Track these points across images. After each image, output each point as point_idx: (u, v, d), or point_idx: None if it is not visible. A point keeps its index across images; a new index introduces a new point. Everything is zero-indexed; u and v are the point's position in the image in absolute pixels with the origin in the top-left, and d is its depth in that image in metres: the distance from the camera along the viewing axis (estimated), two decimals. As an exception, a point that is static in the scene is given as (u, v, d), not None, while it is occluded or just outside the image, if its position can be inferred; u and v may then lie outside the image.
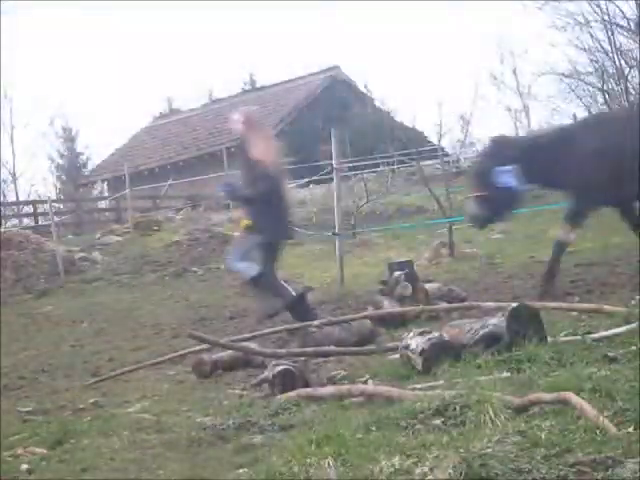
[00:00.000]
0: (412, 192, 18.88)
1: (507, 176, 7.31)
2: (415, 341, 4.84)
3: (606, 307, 5.60)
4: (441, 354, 4.67)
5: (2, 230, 17.41)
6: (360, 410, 4.07)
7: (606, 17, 17.11)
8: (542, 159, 7.35)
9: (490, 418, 3.36)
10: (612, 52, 17.06)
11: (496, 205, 7.53)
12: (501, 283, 8.42)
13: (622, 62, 16.91)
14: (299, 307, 7.31)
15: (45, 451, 4.27)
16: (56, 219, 16.95)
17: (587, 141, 7.34)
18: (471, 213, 7.79)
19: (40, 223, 22.42)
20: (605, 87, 17.21)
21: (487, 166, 7.53)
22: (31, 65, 54.32)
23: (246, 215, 7.53)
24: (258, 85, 34.39)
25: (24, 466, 3.95)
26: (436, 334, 4.85)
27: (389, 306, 6.99)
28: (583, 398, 3.33)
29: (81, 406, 5.43)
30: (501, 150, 7.51)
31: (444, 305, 6.94)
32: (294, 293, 7.38)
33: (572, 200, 7.69)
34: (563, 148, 7.37)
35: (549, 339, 4.72)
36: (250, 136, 7.52)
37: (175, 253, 15.84)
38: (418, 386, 4.28)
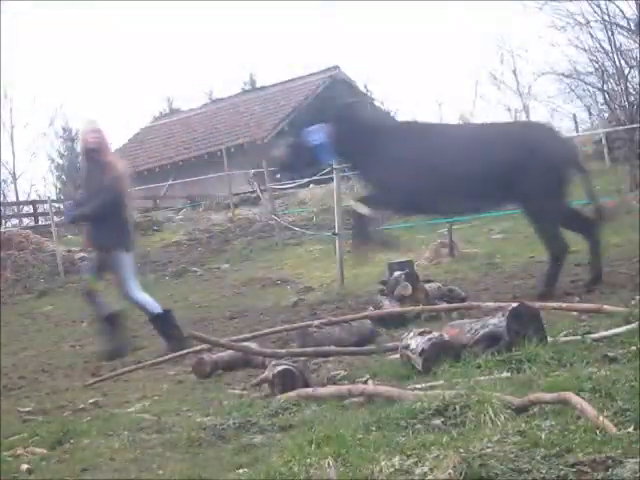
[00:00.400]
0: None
1: (316, 135, 7.53)
2: (415, 341, 4.83)
3: (606, 307, 5.60)
4: (441, 354, 4.67)
5: (2, 230, 17.41)
6: (360, 410, 4.07)
7: (606, 17, 17.11)
8: (357, 137, 7.50)
9: (490, 418, 3.36)
10: (612, 52, 17.05)
11: (298, 157, 7.91)
12: (501, 283, 8.42)
13: (622, 62, 16.91)
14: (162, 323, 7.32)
15: (45, 451, 4.27)
16: (56, 219, 16.95)
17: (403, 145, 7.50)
18: (276, 155, 8.43)
19: (40, 223, 22.42)
20: (605, 87, 17.19)
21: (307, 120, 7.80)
22: (31, 65, 54.31)
23: (86, 234, 7.63)
24: (258, 85, 34.40)
25: (24, 466, 3.95)
26: (436, 334, 4.85)
27: (389, 306, 6.99)
28: (583, 398, 3.33)
29: (81, 406, 5.43)
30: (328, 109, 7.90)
31: (444, 305, 6.94)
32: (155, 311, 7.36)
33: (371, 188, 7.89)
34: (381, 138, 7.50)
35: (549, 339, 4.72)
36: (103, 148, 7.47)
37: (175, 253, 15.86)
38: (418, 386, 4.28)
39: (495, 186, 7.30)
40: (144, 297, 7.40)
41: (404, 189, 7.38)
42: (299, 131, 7.90)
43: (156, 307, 7.39)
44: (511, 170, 7.17)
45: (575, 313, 5.85)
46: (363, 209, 7.53)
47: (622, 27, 17.33)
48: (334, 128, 7.63)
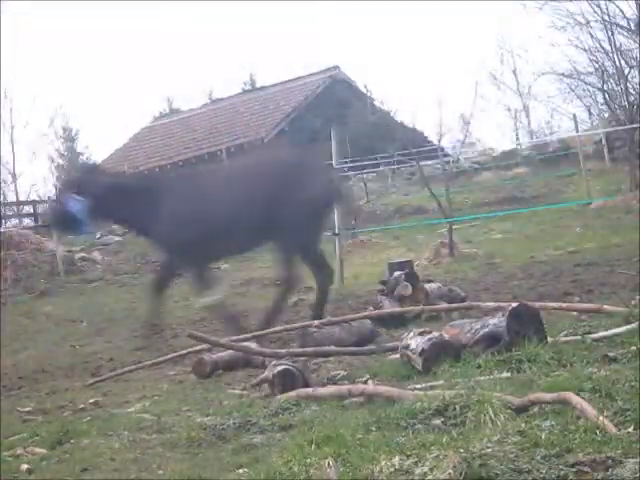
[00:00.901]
0: (412, 192, 18.90)
1: (72, 202, 7.77)
2: (415, 341, 4.83)
3: (606, 307, 5.60)
4: (441, 354, 4.67)
5: (2, 230, 17.41)
6: (360, 410, 4.07)
7: (606, 17, 17.10)
8: (113, 202, 7.69)
9: (490, 418, 3.36)
10: (612, 52, 17.05)
11: (60, 220, 8.24)
12: (501, 283, 8.42)
13: (622, 62, 16.90)
14: None
15: (45, 451, 4.27)
16: (56, 219, 16.90)
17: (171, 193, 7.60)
18: (48, 213, 8.77)
19: (40, 223, 22.41)
20: (605, 87, 17.18)
21: (65, 190, 8.25)
22: (31, 65, 54.29)
23: None
24: (258, 85, 34.39)
25: (24, 466, 3.95)
26: (436, 334, 4.85)
27: (389, 306, 6.99)
28: (583, 398, 3.33)
29: (81, 406, 5.43)
30: (79, 182, 8.00)
31: (444, 305, 6.94)
32: None
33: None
34: (138, 197, 7.65)
35: (549, 339, 4.72)
36: None
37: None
38: (418, 386, 4.29)
39: (259, 221, 7.28)
40: None
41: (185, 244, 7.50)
42: (64, 195, 8.12)
43: None
44: (270, 203, 7.19)
45: (575, 313, 5.85)
46: (211, 299, 7.61)
47: (622, 27, 17.33)
48: (90, 198, 7.74)
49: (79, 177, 8.44)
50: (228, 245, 7.70)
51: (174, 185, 7.83)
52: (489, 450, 2.89)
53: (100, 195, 7.63)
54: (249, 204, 7.25)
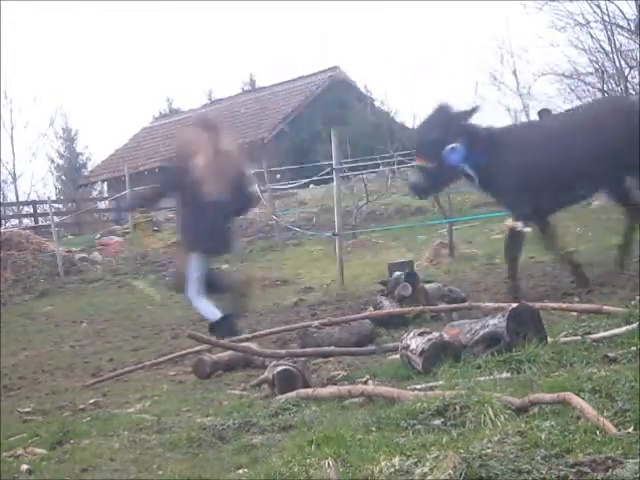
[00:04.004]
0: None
1: (456, 155, 7.18)
2: (415, 341, 4.83)
3: (606, 307, 5.60)
4: (441, 354, 4.66)
5: (2, 230, 17.41)
6: (360, 410, 4.07)
7: (606, 17, 17.11)
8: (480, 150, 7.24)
9: (490, 419, 3.36)
10: (612, 52, 17.05)
11: (438, 179, 7.52)
12: (501, 283, 8.42)
13: (622, 62, 16.91)
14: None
15: (45, 451, 4.27)
16: (56, 219, 16.97)
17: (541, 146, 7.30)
18: (412, 181, 7.72)
19: (40, 223, 22.43)
20: (605, 87, 17.19)
21: (435, 137, 7.32)
22: (31, 65, 54.28)
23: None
24: (258, 85, 34.42)
25: (24, 466, 3.95)
26: (436, 334, 4.84)
27: (389, 306, 6.99)
28: (583, 398, 3.33)
29: (81, 406, 5.44)
30: (448, 121, 7.31)
31: (444, 305, 6.93)
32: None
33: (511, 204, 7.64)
34: (496, 146, 7.28)
35: (549, 339, 4.72)
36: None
37: (175, 253, 15.84)
38: (418, 386, 4.28)
39: (602, 172, 7.21)
40: (202, 303, 7.26)
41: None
42: (432, 150, 7.31)
43: (213, 314, 7.22)
44: (621, 146, 7.04)
45: (575, 313, 5.85)
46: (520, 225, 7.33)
47: (622, 27, 17.33)
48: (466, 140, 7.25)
49: (438, 121, 7.47)
50: (570, 193, 7.48)
51: (520, 136, 7.52)
52: (489, 450, 2.89)
53: (475, 142, 7.18)
54: (589, 157, 7.08)
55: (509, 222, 7.43)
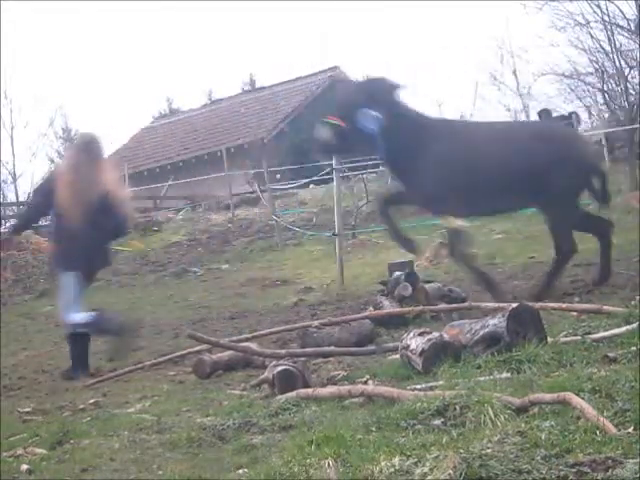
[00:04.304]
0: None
1: (372, 121, 7.07)
2: (415, 341, 4.84)
3: (606, 307, 5.60)
4: (441, 354, 4.66)
5: (2, 230, 17.41)
6: (360, 410, 4.07)
7: (606, 17, 17.10)
8: (402, 132, 7.18)
9: (490, 419, 3.36)
10: (612, 52, 17.04)
11: (347, 140, 7.36)
12: (501, 283, 8.42)
13: (622, 62, 16.90)
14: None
15: (45, 451, 4.27)
16: (56, 219, 16.90)
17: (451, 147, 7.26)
18: (321, 138, 7.47)
19: (40, 223, 22.38)
20: (605, 87, 17.18)
21: (356, 100, 7.26)
22: (31, 65, 54.28)
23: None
24: (258, 85, 34.41)
25: (24, 466, 3.94)
26: (436, 334, 4.85)
27: (389, 306, 6.99)
28: (583, 398, 3.33)
29: (81, 406, 5.43)
30: (374, 91, 7.23)
31: (444, 305, 6.94)
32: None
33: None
34: (422, 135, 7.22)
35: (549, 339, 4.72)
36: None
37: (175, 253, 15.86)
38: (418, 386, 4.28)
39: (525, 185, 7.20)
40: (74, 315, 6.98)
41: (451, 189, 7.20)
42: (353, 112, 7.17)
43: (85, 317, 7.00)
44: (540, 171, 7.09)
45: (575, 313, 5.85)
46: (458, 222, 7.34)
47: (622, 27, 17.32)
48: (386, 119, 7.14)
49: (373, 86, 7.44)
50: (489, 201, 7.48)
51: (447, 132, 7.47)
52: (489, 450, 2.89)
53: (394, 118, 7.08)
54: (516, 165, 7.12)
55: (452, 222, 7.37)
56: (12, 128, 33.60)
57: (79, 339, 6.97)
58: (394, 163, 7.58)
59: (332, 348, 5.90)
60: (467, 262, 7.49)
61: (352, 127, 7.18)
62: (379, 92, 7.25)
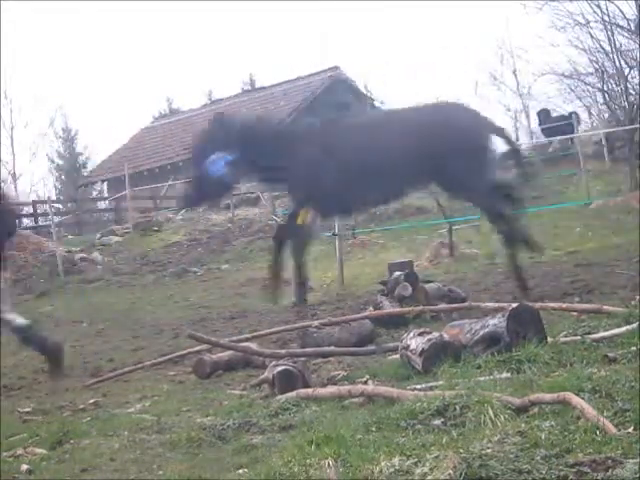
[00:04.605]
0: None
1: (218, 165, 7.17)
2: (415, 341, 4.84)
3: (606, 307, 5.60)
4: (441, 354, 4.67)
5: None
6: (360, 410, 4.07)
7: (606, 17, 17.09)
8: (261, 152, 7.24)
9: (490, 418, 3.36)
10: (612, 52, 17.03)
11: (204, 189, 7.50)
12: (501, 283, 8.42)
13: (622, 62, 16.89)
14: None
15: (45, 451, 4.27)
16: (56, 219, 16.98)
17: (311, 143, 7.33)
18: (182, 193, 7.85)
19: (40, 223, 22.42)
20: (605, 87, 17.17)
21: (205, 148, 7.39)
22: (31, 65, 54.29)
23: None
24: (258, 85, 34.41)
25: (24, 466, 3.95)
26: (436, 334, 4.85)
27: (389, 306, 6.99)
28: (583, 398, 3.33)
29: (81, 406, 5.44)
30: (223, 133, 7.33)
31: (444, 305, 6.93)
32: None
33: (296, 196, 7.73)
34: (288, 144, 7.32)
35: (549, 339, 4.72)
36: None
37: (175, 253, 15.86)
38: (418, 386, 4.29)
39: (418, 169, 7.24)
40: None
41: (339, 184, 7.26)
42: (199, 161, 7.41)
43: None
44: (433, 152, 7.12)
45: (575, 313, 5.85)
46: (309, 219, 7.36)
47: (622, 27, 17.31)
48: (239, 147, 7.30)
49: (211, 132, 7.60)
50: (379, 193, 7.52)
51: (316, 134, 7.54)
52: (489, 450, 2.89)
53: (240, 146, 7.17)
54: (398, 150, 7.16)
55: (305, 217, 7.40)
56: (12, 128, 33.66)
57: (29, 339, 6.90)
58: (276, 178, 7.74)
59: (332, 348, 5.90)
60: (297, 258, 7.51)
61: (204, 175, 7.33)
62: (232, 131, 7.37)
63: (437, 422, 3.49)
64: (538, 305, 5.55)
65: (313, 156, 7.28)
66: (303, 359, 5.41)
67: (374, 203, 7.99)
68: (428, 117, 7.58)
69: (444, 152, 7.17)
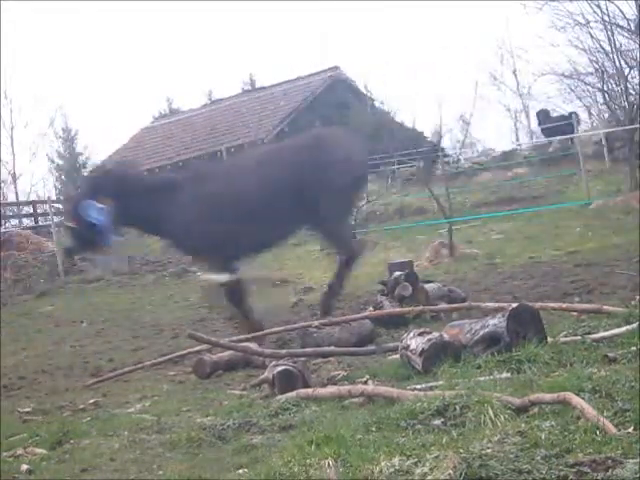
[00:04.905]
0: (412, 192, 18.92)
1: (94, 211, 7.20)
2: (415, 341, 4.84)
3: (606, 307, 5.60)
4: (441, 354, 4.67)
5: (2, 230, 17.41)
6: (360, 410, 4.07)
7: (606, 17, 17.09)
8: (138, 203, 7.25)
9: (490, 418, 3.36)
10: (612, 52, 17.03)
11: (84, 238, 7.51)
12: (501, 283, 8.42)
13: (622, 62, 16.89)
14: None
15: (45, 451, 4.27)
16: (56, 219, 16.94)
17: (190, 190, 7.26)
18: (64, 245, 7.87)
19: (40, 223, 22.39)
20: (605, 87, 17.17)
21: (82, 197, 7.47)
22: (31, 65, 54.27)
23: None
24: (258, 85, 34.40)
25: (24, 466, 3.95)
26: (436, 334, 4.85)
27: (389, 306, 6.99)
28: (583, 398, 3.33)
29: (81, 406, 5.44)
30: (100, 183, 7.39)
31: (444, 305, 6.93)
32: None
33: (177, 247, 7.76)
34: (163, 195, 7.28)
35: (549, 339, 4.72)
36: None
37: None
38: (418, 386, 4.29)
39: (291, 207, 7.13)
40: None
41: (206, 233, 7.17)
42: (76, 210, 7.40)
43: None
44: (302, 187, 7.05)
45: (575, 313, 5.85)
46: (220, 277, 7.26)
47: (622, 27, 17.31)
48: (115, 202, 7.26)
49: (95, 181, 7.70)
50: (259, 236, 7.38)
51: (188, 184, 7.44)
52: (489, 450, 2.89)
53: (123, 197, 7.18)
54: (274, 191, 7.08)
55: (205, 277, 7.37)
56: (12, 128, 33.61)
57: None
58: (163, 234, 7.73)
59: (332, 348, 5.90)
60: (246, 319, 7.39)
61: (84, 224, 7.31)
62: (108, 181, 7.37)
63: (437, 422, 3.49)
64: (538, 305, 5.55)
65: (187, 207, 7.20)
66: (303, 359, 5.41)
67: (259, 247, 7.82)
68: (299, 155, 7.42)
69: (317, 191, 7.10)
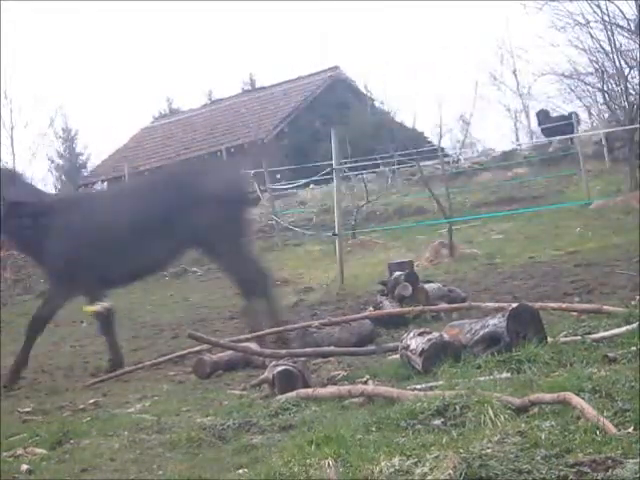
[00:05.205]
0: (412, 192, 18.93)
1: None
2: (415, 341, 4.84)
3: (606, 307, 5.60)
4: (441, 354, 4.67)
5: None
6: (360, 410, 4.07)
7: (606, 17, 17.08)
8: (19, 227, 7.08)
9: (490, 418, 3.36)
10: (612, 52, 17.02)
11: None
12: (501, 283, 8.43)
13: (622, 62, 16.87)
14: None
15: (45, 451, 4.27)
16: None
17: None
18: None
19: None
20: (605, 87, 17.16)
21: None
22: (31, 65, 54.27)
23: None
24: (258, 85, 34.41)
25: (24, 466, 3.94)
26: (436, 334, 4.85)
27: (389, 306, 6.99)
28: (583, 398, 3.33)
29: (81, 406, 5.43)
30: None
31: (444, 305, 6.94)
32: None
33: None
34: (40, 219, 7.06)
35: (549, 339, 4.72)
36: None
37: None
38: (418, 386, 4.28)
39: (164, 240, 6.95)
40: None
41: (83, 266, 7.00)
42: None
43: None
44: (172, 217, 6.88)
45: (575, 313, 5.85)
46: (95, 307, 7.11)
47: (622, 27, 17.30)
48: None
49: None
50: (128, 267, 7.20)
51: (62, 210, 7.20)
52: (489, 450, 2.89)
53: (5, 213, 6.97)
54: (143, 223, 6.91)
55: (89, 308, 7.18)
56: (12, 128, 33.59)
57: None
58: (24, 249, 7.68)
59: (332, 348, 5.90)
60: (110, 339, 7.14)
61: None
62: None
63: (437, 422, 3.49)
64: (538, 305, 5.55)
65: (56, 235, 7.00)
66: (303, 359, 5.41)
67: (128, 278, 7.57)
68: (170, 188, 7.21)
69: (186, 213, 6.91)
